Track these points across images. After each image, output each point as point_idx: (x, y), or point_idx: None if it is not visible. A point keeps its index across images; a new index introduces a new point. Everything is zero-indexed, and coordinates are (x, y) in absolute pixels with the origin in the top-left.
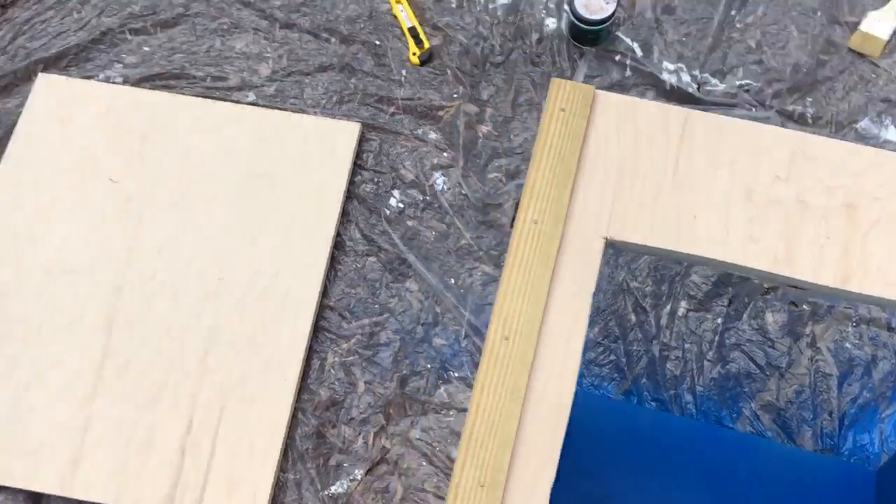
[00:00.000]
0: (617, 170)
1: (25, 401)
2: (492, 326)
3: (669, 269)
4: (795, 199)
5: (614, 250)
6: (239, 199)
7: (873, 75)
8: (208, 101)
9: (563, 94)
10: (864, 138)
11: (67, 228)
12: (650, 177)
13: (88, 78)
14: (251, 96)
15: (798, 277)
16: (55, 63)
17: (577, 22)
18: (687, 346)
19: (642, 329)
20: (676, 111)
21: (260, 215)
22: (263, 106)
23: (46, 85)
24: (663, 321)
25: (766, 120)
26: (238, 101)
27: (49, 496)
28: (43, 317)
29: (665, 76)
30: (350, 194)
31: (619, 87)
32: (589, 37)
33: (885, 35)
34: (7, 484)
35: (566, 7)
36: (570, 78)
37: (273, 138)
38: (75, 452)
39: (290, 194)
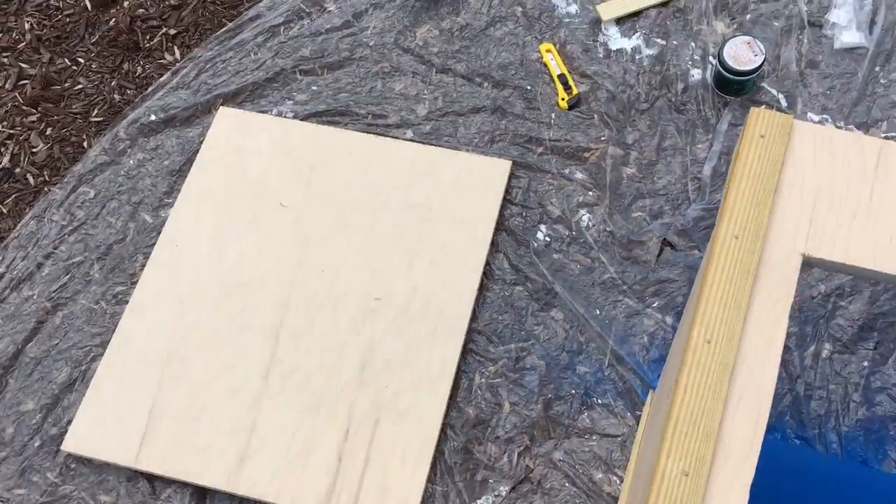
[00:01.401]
0: (813, 192)
1: (199, 401)
2: (694, 330)
3: (814, 310)
4: None
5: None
6: (397, 227)
7: None
8: (370, 136)
9: (763, 121)
10: None
11: (241, 247)
12: (846, 200)
13: (263, 112)
14: (409, 133)
15: None
16: (233, 98)
17: (724, 72)
18: (832, 386)
19: (786, 368)
20: (870, 141)
21: (416, 242)
22: (420, 142)
23: (225, 117)
24: (807, 361)
25: None
26: (397, 138)
27: (215, 491)
28: (217, 325)
29: None
30: (500, 226)
31: None
32: (734, 87)
33: None
34: (179, 477)
35: (712, 58)
36: (715, 126)
37: (430, 172)
38: (241, 451)
39: (445, 224)
